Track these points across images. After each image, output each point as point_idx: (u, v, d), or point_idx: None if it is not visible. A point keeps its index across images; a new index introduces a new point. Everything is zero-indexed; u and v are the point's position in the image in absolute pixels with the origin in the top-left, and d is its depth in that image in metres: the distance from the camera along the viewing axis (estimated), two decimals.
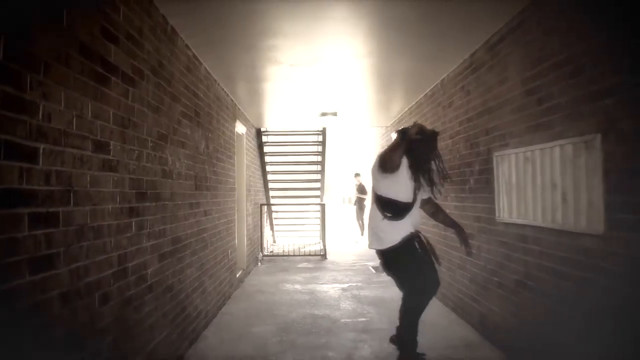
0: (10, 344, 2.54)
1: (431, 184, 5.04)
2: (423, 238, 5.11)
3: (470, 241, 5.25)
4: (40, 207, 2.82)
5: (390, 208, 4.97)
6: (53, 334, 2.93)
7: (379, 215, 5.00)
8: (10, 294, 2.55)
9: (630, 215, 3.45)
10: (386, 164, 4.83)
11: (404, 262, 5.01)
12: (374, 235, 5.13)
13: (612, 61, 3.62)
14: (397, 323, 5.26)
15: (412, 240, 4.97)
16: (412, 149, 4.81)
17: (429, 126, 8.40)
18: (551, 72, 4.46)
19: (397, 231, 4.94)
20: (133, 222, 4.20)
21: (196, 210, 6.30)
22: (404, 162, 4.87)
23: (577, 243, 4.11)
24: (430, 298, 5.11)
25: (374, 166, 5.00)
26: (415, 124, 4.70)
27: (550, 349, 4.55)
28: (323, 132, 15.14)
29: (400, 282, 5.14)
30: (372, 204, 5.21)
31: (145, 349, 4.45)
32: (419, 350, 5.19)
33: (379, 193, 5.03)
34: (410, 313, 5.07)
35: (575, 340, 4.14)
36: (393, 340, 5.29)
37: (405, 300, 5.07)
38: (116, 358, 3.82)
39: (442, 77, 7.89)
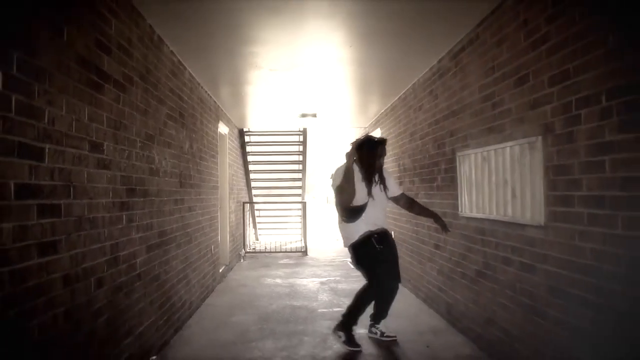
0: (20, 315, 2.97)
1: (382, 182, 5.91)
2: (384, 235, 5.86)
3: (445, 227, 5.97)
4: (45, 199, 3.25)
5: (346, 212, 5.76)
6: (56, 310, 3.36)
7: (339, 219, 5.87)
8: (23, 273, 2.98)
9: (562, 207, 3.93)
10: (342, 196, 5.69)
11: (362, 257, 5.81)
12: (341, 236, 5.99)
13: (549, 73, 4.10)
14: (366, 311, 5.93)
15: (369, 238, 5.70)
16: (362, 155, 5.79)
17: (402, 127, 8.91)
18: (502, 80, 4.95)
19: (354, 231, 5.75)
20: (124, 215, 4.62)
21: (181, 206, 6.72)
22: (356, 169, 5.74)
23: (523, 233, 4.59)
24: (392, 291, 5.90)
25: (333, 185, 5.79)
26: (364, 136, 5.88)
27: (502, 331, 5.03)
28: (304, 133, 15.52)
29: (365, 275, 5.88)
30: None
31: (134, 332, 4.86)
32: (389, 333, 6.06)
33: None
34: (363, 300, 5.85)
35: (521, 320, 4.63)
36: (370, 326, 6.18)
37: (365, 287, 5.84)
38: (109, 338, 4.25)
39: (413, 82, 8.34)
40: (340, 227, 5.95)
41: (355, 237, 5.72)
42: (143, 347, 5.09)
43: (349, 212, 5.72)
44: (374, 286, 5.77)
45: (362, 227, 5.72)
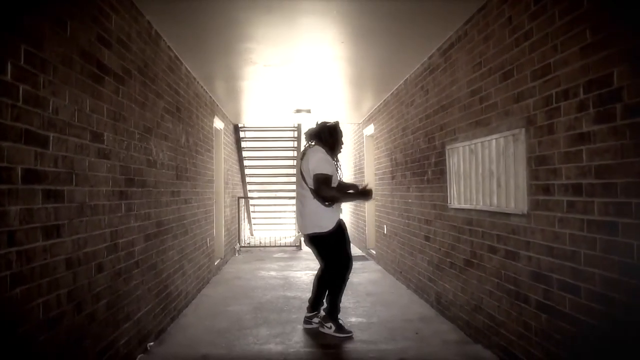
0: (26, 294, 3.13)
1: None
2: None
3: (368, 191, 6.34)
4: (50, 185, 3.41)
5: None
6: (59, 291, 3.53)
7: (320, 206, 5.92)
8: (29, 254, 3.15)
9: (543, 196, 4.11)
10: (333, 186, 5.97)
11: (338, 242, 6.04)
12: (311, 222, 6.03)
13: (531, 67, 4.28)
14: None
15: (342, 225, 6.06)
16: (327, 141, 6.11)
17: (394, 123, 9.08)
18: (488, 75, 5.13)
19: (334, 217, 5.98)
20: (123, 204, 4.78)
21: (177, 198, 6.87)
22: (328, 155, 6.02)
23: (508, 222, 4.77)
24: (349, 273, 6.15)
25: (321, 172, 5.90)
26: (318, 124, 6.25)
27: (489, 317, 5.21)
28: (298, 129, 15.68)
29: (329, 259, 6.10)
30: (307, 199, 6.03)
31: (133, 318, 5.02)
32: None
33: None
34: (339, 285, 6.06)
35: (506, 306, 4.81)
36: (309, 318, 6.31)
37: (333, 275, 6.08)
38: (109, 321, 4.40)
39: (405, 78, 8.52)
40: (317, 213, 5.95)
41: (332, 223, 5.93)
42: (141, 332, 5.25)
43: (332, 188, 5.94)
44: (345, 266, 6.02)
45: (337, 212, 6.04)
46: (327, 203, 5.88)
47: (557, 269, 3.94)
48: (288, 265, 11.47)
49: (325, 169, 5.82)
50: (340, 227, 6.01)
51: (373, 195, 6.25)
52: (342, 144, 6.32)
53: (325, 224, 5.93)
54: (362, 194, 6.18)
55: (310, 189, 5.92)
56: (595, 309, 3.50)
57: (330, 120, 6.38)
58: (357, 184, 6.71)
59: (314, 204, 5.94)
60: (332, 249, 6.02)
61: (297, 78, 8.75)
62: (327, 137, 6.10)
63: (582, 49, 3.58)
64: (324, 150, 6.00)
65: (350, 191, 6.43)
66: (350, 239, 6.19)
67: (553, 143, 3.96)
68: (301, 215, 6.14)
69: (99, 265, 4.20)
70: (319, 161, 5.87)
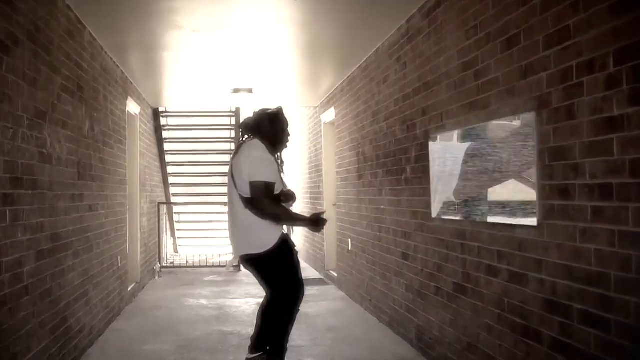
0: None
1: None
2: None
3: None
4: None
5: (276, 206, 5.71)
6: None
7: (255, 218, 5.63)
8: None
9: (560, 201, 4.05)
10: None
11: (281, 264, 5.79)
12: (245, 240, 5.81)
13: (544, 32, 4.21)
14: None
15: (287, 241, 5.81)
16: (272, 135, 5.93)
17: (362, 106, 9.04)
18: (487, 42, 5.07)
19: (275, 231, 5.70)
20: (7, 211, 4.58)
21: (79, 204, 6.69)
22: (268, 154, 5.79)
23: (513, 235, 4.70)
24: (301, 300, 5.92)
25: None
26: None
27: (487, 358, 5.14)
28: (237, 114, 15.52)
29: (273, 286, 5.85)
30: (238, 210, 5.77)
31: None
32: None
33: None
34: (287, 318, 5.82)
35: (510, 344, 4.74)
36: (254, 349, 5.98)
37: (279, 305, 5.81)
38: None
39: (377, 47, 8.46)
40: (250, 229, 5.71)
41: (273, 240, 5.65)
42: None
43: (277, 204, 5.73)
44: (296, 293, 5.80)
45: (278, 225, 5.77)
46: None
47: (579, 297, 3.87)
48: (223, 291, 11.38)
49: (265, 175, 5.57)
50: (285, 242, 5.76)
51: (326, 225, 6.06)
52: (289, 135, 6.12)
53: (262, 242, 5.64)
54: (312, 223, 5.94)
55: (241, 196, 5.66)
56: (629, 349, 3.44)
57: (273, 106, 6.20)
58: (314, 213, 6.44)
59: (247, 216, 5.67)
60: (275, 272, 5.78)
61: (236, 48, 8.62)
62: (268, 128, 5.86)
63: (612, 7, 3.52)
64: (264, 147, 5.75)
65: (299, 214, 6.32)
66: (305, 258, 6.03)
67: (573, 131, 3.89)
68: (232, 232, 5.92)
69: None
70: (256, 162, 5.61)
